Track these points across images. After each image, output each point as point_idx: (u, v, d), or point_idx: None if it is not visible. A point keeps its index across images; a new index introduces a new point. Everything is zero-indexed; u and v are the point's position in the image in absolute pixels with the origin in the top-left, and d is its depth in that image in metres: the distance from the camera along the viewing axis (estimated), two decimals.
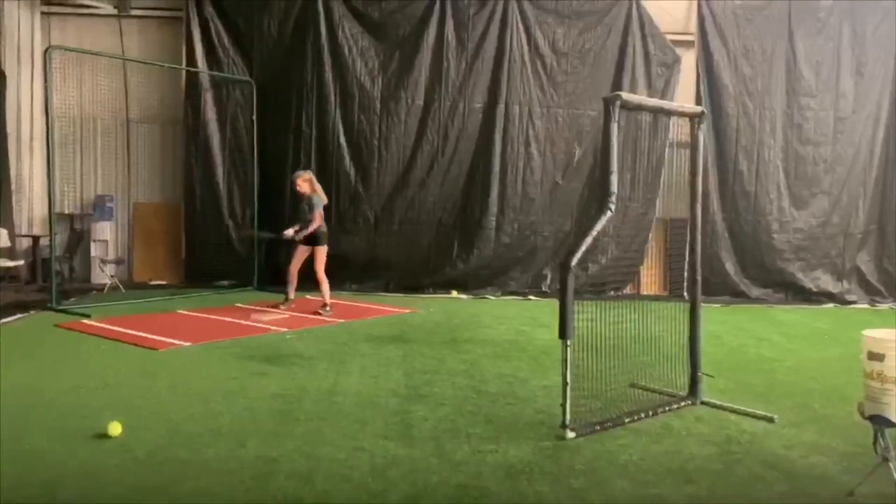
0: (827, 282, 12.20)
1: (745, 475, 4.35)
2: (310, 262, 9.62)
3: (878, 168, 12.25)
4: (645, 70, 11.99)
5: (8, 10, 11.48)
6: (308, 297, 10.00)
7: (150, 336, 7.79)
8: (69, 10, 11.98)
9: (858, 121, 12.15)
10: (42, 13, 11.92)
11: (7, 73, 11.49)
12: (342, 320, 9.21)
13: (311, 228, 9.47)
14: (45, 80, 9.53)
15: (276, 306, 9.71)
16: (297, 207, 9.96)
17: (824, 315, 11.03)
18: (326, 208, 10.23)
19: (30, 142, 11.71)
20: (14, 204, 11.63)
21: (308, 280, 9.73)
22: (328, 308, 9.56)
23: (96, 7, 11.99)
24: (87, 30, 12.00)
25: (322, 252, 9.61)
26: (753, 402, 5.75)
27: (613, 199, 4.97)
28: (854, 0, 11.99)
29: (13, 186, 11.61)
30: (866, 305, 11.97)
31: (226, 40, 11.72)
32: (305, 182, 9.67)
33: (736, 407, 5.58)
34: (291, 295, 9.82)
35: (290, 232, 9.58)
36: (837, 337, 9.06)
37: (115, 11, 12.04)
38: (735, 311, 11.09)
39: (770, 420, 5.31)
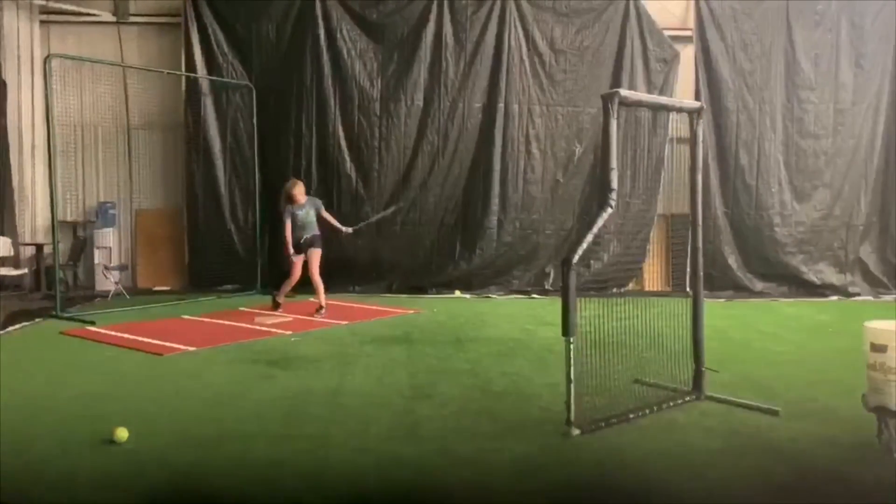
0: (830, 274, 12.19)
1: (750, 468, 4.35)
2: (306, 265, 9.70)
3: (879, 159, 12.25)
4: (644, 66, 12.00)
5: (7, 20, 11.51)
6: (312, 300, 9.99)
7: (155, 341, 7.81)
8: (68, 18, 12.01)
9: (858, 113, 12.14)
10: (41, 22, 11.96)
11: (7, 82, 11.53)
12: (346, 322, 9.23)
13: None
14: (46, 89, 9.55)
15: (311, 315, 9.57)
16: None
17: (828, 308, 11.02)
18: (328, 210, 10.20)
19: (31, 150, 11.75)
20: (17, 213, 11.67)
21: (305, 282, 9.78)
22: (323, 310, 9.57)
23: (95, 15, 12.02)
24: (86, 37, 12.03)
25: (316, 255, 9.64)
26: (758, 395, 5.75)
27: (614, 195, 4.98)
28: None
29: (16, 195, 11.65)
30: (870, 298, 11.95)
31: (224, 45, 11.74)
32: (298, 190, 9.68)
33: (741, 401, 5.58)
34: (322, 301, 9.71)
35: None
36: (841, 329, 9.04)
37: (113, 19, 12.08)
38: (739, 305, 11.10)
39: (775, 413, 5.31)
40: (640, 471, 4.33)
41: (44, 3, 11.80)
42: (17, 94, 11.61)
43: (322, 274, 9.78)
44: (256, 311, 9.87)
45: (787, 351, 7.84)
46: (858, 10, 12.02)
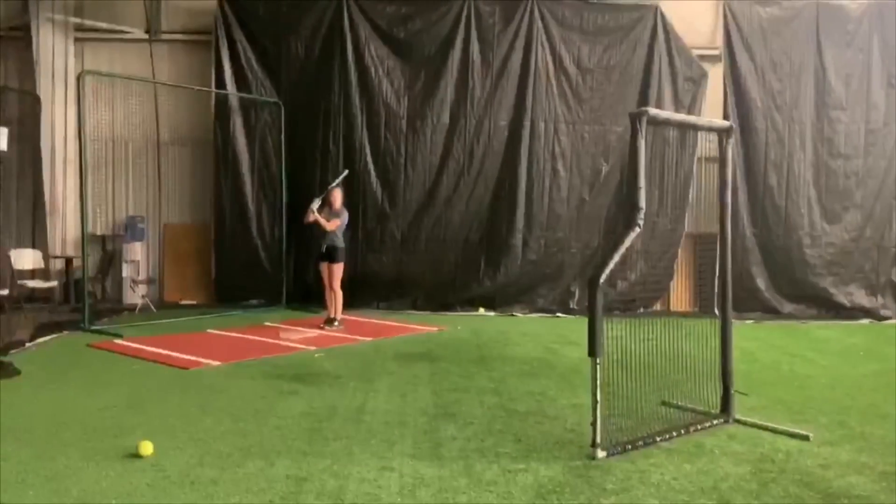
0: (861, 297, 11.98)
1: (780, 495, 4.27)
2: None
3: None
4: (671, 85, 11.94)
5: (42, 37, 11.75)
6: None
7: (180, 355, 7.86)
8: (101, 35, 12.21)
9: (890, 133, 11.98)
10: (75, 39, 12.17)
11: (42, 98, 11.74)
12: (370, 338, 9.22)
13: (325, 225, 9.61)
14: (79, 104, 9.72)
15: (321, 326, 9.75)
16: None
17: (859, 331, 10.83)
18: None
19: (63, 164, 11.92)
20: (48, 225, 11.85)
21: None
22: (337, 323, 9.62)
23: (127, 32, 12.23)
24: (118, 54, 12.22)
25: (339, 269, 9.70)
26: (788, 419, 5.65)
27: (641, 214, 4.94)
28: (884, 11, 11.87)
29: (47, 208, 11.83)
30: None
31: (254, 62, 11.87)
32: (340, 195, 9.89)
33: (770, 425, 5.49)
34: (337, 314, 9.86)
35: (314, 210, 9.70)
36: (873, 353, 8.89)
37: (145, 36, 12.27)
38: (767, 327, 10.94)
39: (805, 438, 5.22)
40: (667, 495, 4.25)
41: (78, 20, 12.03)
42: (51, 109, 11.81)
43: (345, 289, 9.83)
44: (285, 325, 9.91)
45: (817, 374, 7.70)
46: (890, 29, 11.88)
